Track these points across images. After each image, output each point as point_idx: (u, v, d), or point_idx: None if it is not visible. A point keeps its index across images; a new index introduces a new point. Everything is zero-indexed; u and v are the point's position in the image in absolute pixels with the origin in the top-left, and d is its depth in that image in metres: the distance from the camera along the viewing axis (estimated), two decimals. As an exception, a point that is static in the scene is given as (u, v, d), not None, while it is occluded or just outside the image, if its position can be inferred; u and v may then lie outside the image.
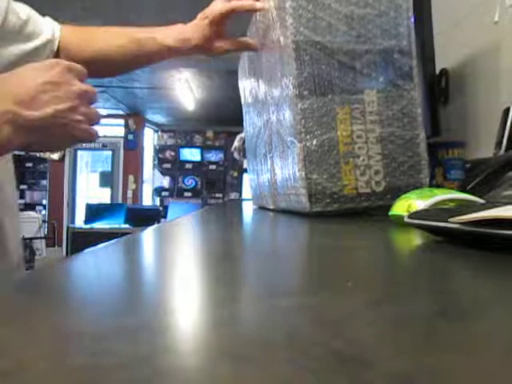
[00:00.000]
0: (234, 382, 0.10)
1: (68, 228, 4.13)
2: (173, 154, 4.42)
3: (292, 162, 0.57)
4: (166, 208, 4.41)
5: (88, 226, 4.11)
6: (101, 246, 0.34)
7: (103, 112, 5.00)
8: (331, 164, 0.53)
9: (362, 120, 0.54)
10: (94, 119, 0.45)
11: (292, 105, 0.54)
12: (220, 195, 5.47)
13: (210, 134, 5.96)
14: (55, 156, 5.37)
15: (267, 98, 0.70)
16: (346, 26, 0.54)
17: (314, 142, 0.52)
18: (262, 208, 0.95)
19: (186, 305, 0.18)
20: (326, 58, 0.53)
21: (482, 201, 0.43)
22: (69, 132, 0.43)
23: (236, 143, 1.40)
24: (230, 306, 0.17)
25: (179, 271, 0.26)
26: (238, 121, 1.09)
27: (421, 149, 0.55)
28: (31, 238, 3.86)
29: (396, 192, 0.49)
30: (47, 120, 0.40)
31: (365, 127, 0.54)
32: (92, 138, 0.46)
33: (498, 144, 0.78)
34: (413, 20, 0.56)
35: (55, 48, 0.63)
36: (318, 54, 0.53)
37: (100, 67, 0.66)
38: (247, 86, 0.91)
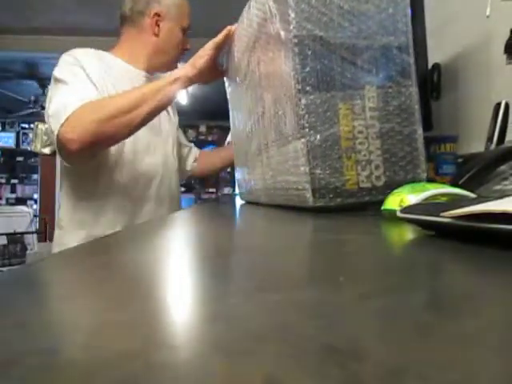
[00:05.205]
0: (225, 376, 0.10)
1: (60, 223, 4.06)
2: (165, 148, 4.43)
3: (293, 157, 0.57)
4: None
5: (80, 221, 4.04)
6: (86, 242, 0.35)
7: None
8: (334, 159, 0.53)
9: (362, 115, 0.54)
10: None
11: (295, 100, 0.54)
12: (213, 190, 5.45)
13: (203, 128, 5.91)
14: (47, 150, 5.27)
15: (262, 93, 0.70)
16: (348, 21, 0.54)
17: (318, 137, 0.53)
18: (250, 203, 0.94)
19: (177, 299, 0.18)
20: (328, 53, 0.53)
21: (473, 195, 0.43)
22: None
23: (229, 138, 1.39)
24: (222, 300, 0.17)
25: (169, 267, 0.26)
26: (231, 115, 1.09)
27: (419, 144, 0.56)
28: (22, 233, 3.81)
29: (395, 186, 0.50)
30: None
31: (365, 123, 0.54)
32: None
33: (490, 138, 0.79)
34: (410, 17, 0.56)
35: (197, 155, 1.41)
36: (321, 48, 0.53)
37: (212, 174, 1.49)
38: (236, 81, 0.89)
